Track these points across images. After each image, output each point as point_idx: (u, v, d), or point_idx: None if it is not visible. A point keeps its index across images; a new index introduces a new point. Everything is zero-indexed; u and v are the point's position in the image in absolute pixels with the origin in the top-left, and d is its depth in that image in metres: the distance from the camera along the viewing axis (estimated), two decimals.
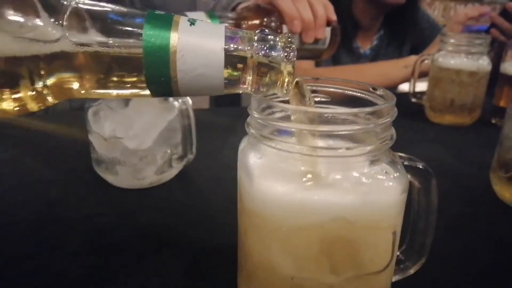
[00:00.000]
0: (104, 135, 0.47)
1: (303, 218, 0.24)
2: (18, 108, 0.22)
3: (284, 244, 0.24)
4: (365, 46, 1.16)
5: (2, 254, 0.38)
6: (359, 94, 0.28)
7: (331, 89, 0.29)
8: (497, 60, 0.81)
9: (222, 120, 0.71)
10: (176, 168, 0.51)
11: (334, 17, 0.61)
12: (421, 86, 0.84)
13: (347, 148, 0.23)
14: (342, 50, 1.13)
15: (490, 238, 0.42)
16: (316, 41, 0.60)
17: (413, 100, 0.82)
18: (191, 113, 0.47)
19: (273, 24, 0.57)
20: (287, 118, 0.25)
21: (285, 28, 0.57)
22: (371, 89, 0.27)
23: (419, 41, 1.18)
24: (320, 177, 0.24)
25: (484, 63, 0.75)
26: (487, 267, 0.37)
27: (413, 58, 0.92)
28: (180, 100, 0.47)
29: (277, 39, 0.24)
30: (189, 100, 0.47)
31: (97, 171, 0.50)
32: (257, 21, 0.56)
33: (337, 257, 0.24)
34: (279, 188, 0.24)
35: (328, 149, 0.23)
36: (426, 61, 0.80)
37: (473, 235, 0.42)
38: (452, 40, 0.75)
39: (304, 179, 0.24)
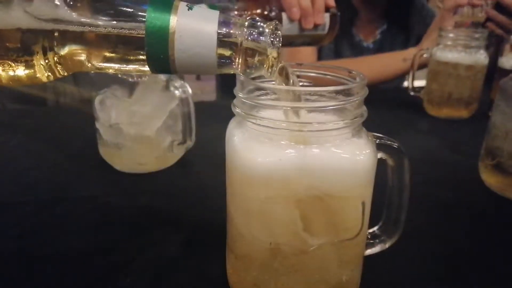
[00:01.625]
0: (109, 122, 0.50)
1: (279, 188, 0.26)
2: (30, 76, 0.25)
3: (261, 212, 0.27)
4: (368, 39, 1.17)
5: (18, 227, 0.41)
6: (337, 78, 0.30)
7: (313, 74, 0.31)
8: (495, 55, 0.83)
9: (225, 110, 0.74)
10: (177, 154, 0.54)
11: (332, 2, 0.63)
12: (421, 82, 0.86)
13: (319, 123, 0.26)
14: (345, 43, 1.14)
15: (472, 221, 0.44)
16: (316, 26, 0.61)
17: (412, 93, 0.84)
18: (191, 102, 0.50)
19: (273, 12, 0.59)
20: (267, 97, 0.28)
21: (284, 16, 0.59)
22: (348, 72, 0.30)
23: (424, 27, 1.18)
24: (296, 150, 0.26)
25: (481, 57, 0.76)
26: (465, 246, 0.40)
27: (412, 51, 0.93)
28: (180, 90, 0.49)
29: (265, 26, 0.27)
30: (189, 89, 0.50)
31: (103, 156, 0.53)
32: (258, 10, 0.58)
33: (311, 224, 0.27)
34: (258, 160, 0.27)
35: (303, 124, 0.26)
36: (424, 55, 0.81)
37: (455, 218, 0.45)
38: (450, 35, 0.77)
39: (281, 151, 0.26)
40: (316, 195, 0.26)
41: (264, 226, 0.27)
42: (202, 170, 0.55)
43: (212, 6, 0.55)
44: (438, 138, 0.70)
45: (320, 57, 1.09)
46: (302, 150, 0.26)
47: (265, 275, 0.29)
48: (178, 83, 0.50)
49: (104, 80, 0.50)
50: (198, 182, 0.51)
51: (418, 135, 0.72)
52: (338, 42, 1.12)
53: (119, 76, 0.48)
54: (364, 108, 0.28)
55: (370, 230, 0.33)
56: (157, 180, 0.51)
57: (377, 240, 0.33)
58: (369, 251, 0.33)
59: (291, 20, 0.59)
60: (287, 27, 0.59)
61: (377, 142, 0.29)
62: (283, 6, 0.59)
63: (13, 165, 0.56)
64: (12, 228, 0.41)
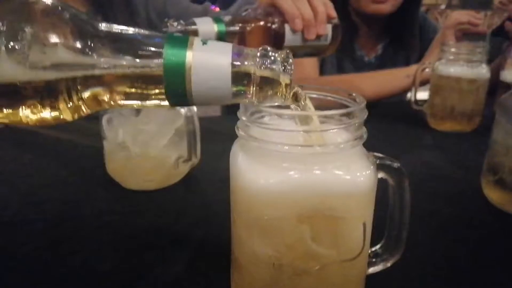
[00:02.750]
0: (116, 140, 0.51)
1: (281, 209, 0.27)
2: (55, 118, 0.26)
3: (264, 233, 0.28)
4: (370, 54, 1.18)
5: (24, 246, 0.42)
6: (339, 100, 0.31)
7: (315, 96, 0.32)
8: (499, 69, 0.83)
9: (229, 126, 0.75)
10: (182, 171, 0.55)
11: (334, 13, 0.64)
12: (424, 94, 0.86)
13: (320, 146, 0.27)
14: (346, 58, 1.15)
15: (474, 237, 0.44)
16: (319, 37, 0.62)
17: (415, 107, 0.84)
18: (196, 120, 0.51)
19: (276, 24, 0.60)
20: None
21: (287, 27, 0.60)
22: (348, 94, 0.31)
23: (426, 50, 1.19)
24: (298, 172, 0.27)
25: (483, 71, 0.77)
26: (468, 263, 0.40)
27: (414, 68, 0.94)
28: (185, 108, 0.50)
29: (276, 55, 0.27)
30: (194, 107, 0.51)
31: (110, 173, 0.54)
32: (261, 23, 0.59)
33: (313, 244, 0.28)
34: (261, 181, 0.27)
35: (304, 147, 0.27)
36: (426, 70, 0.82)
37: (457, 234, 0.45)
38: (452, 49, 0.78)
39: (283, 173, 0.27)
40: (318, 216, 0.27)
41: (267, 246, 0.28)
42: (207, 187, 0.55)
43: (217, 19, 0.56)
44: (441, 152, 0.70)
45: (322, 71, 1.10)
46: (304, 172, 0.27)
47: None
48: None
49: None
50: (203, 199, 0.52)
51: (422, 149, 0.72)
52: (340, 57, 1.13)
53: None
54: (364, 129, 0.29)
55: (372, 249, 0.34)
56: (163, 197, 0.52)
57: (379, 259, 0.33)
58: (371, 270, 0.33)
59: (294, 31, 0.60)
60: (290, 38, 0.60)
61: (377, 162, 0.30)
62: (285, 18, 0.60)
63: (23, 182, 0.57)
64: (23, 246, 0.42)
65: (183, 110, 0.50)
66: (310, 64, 1.08)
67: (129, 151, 0.51)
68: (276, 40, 0.60)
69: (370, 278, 0.33)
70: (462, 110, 0.78)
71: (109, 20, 0.91)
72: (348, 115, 0.27)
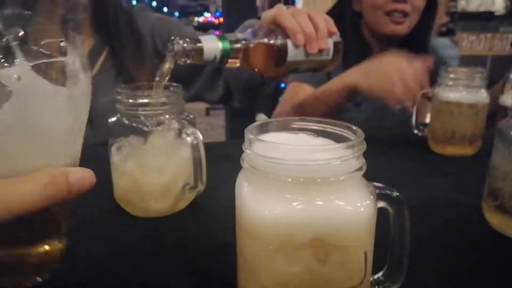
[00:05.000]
0: (124, 169, 0.53)
1: (285, 239, 0.28)
2: None
3: (269, 262, 0.29)
4: None
5: None
6: (337, 131, 0.33)
7: (315, 127, 0.34)
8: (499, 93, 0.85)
9: (235, 152, 0.76)
10: (188, 198, 0.56)
11: (335, 29, 0.66)
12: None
13: (321, 179, 0.28)
14: None
15: (477, 262, 0.45)
16: (321, 52, 0.64)
17: (416, 131, 0.86)
18: (201, 147, 0.52)
19: (278, 40, 0.62)
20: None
21: (289, 42, 0.62)
22: (347, 127, 0.32)
23: (434, 74, 1.22)
24: (301, 203, 0.28)
25: (482, 96, 0.78)
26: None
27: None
28: (192, 136, 0.52)
29: None
30: (199, 135, 0.53)
31: (117, 200, 0.56)
32: (264, 40, 0.61)
33: (317, 273, 0.29)
34: (266, 212, 0.29)
35: (306, 178, 0.28)
36: (429, 94, 0.84)
37: (460, 259, 0.45)
38: (451, 75, 0.80)
39: (287, 204, 0.28)
40: (320, 246, 0.28)
41: (272, 276, 0.29)
42: (212, 213, 0.56)
43: (221, 37, 0.58)
44: (442, 176, 0.71)
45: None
46: (306, 203, 0.28)
47: None
48: (190, 130, 0.52)
49: (121, 129, 0.53)
50: (209, 226, 0.53)
51: (423, 174, 0.73)
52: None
53: (134, 125, 0.51)
54: (364, 161, 0.30)
55: (375, 276, 0.34)
56: (169, 224, 0.53)
57: (381, 286, 0.34)
58: None
59: (296, 46, 0.62)
60: (293, 53, 0.62)
61: (377, 192, 0.31)
62: (287, 33, 0.61)
63: None
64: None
65: (189, 139, 0.52)
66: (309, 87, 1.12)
67: (137, 178, 0.52)
68: (279, 55, 0.62)
69: None
70: (462, 135, 0.79)
71: (117, 49, 0.94)
72: (348, 147, 0.29)
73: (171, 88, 0.55)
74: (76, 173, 0.28)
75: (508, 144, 0.51)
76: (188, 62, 0.56)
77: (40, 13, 0.29)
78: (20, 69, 0.27)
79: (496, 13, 3.17)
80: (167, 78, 0.55)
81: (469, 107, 0.78)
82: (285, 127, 0.34)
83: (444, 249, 0.48)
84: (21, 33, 0.27)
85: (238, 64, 0.61)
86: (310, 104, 0.98)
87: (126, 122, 0.52)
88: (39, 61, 0.28)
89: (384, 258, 0.34)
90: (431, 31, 1.24)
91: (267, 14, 0.65)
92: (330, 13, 1.26)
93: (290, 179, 0.28)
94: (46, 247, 0.34)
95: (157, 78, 0.54)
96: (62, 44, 0.29)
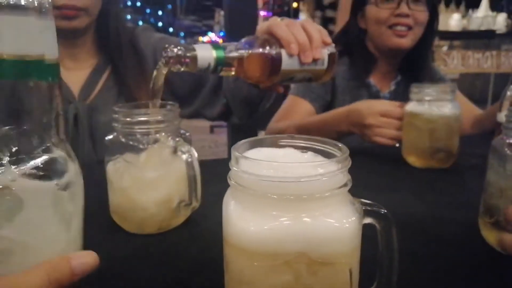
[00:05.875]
0: (120, 186, 0.54)
1: (270, 256, 0.28)
2: None
3: (254, 278, 0.29)
4: (384, 89, 1.22)
5: None
6: (324, 148, 0.33)
7: (303, 145, 0.34)
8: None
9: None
10: (184, 215, 0.57)
11: (329, 40, 0.66)
12: None
13: (307, 195, 0.28)
14: (364, 92, 1.19)
15: (471, 279, 0.45)
16: (315, 61, 0.64)
17: (397, 145, 0.88)
18: (196, 165, 0.53)
19: (273, 50, 0.62)
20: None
21: (284, 52, 0.62)
22: (334, 144, 0.33)
23: None
24: (287, 219, 0.29)
25: (452, 109, 0.81)
26: None
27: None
28: (187, 154, 0.53)
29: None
30: (195, 153, 0.53)
31: (113, 217, 0.56)
32: (258, 49, 0.62)
33: None
34: (251, 229, 0.29)
35: (291, 195, 0.28)
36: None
37: (457, 277, 0.45)
38: (421, 90, 0.82)
39: (273, 221, 0.29)
40: (306, 262, 0.28)
41: None
42: (207, 230, 0.56)
43: (215, 46, 0.59)
44: (432, 192, 0.71)
45: (337, 105, 1.14)
46: (292, 219, 0.29)
47: None
48: (185, 147, 0.53)
49: (117, 147, 0.53)
50: (203, 243, 0.53)
51: (413, 190, 0.73)
52: (357, 92, 1.19)
53: (131, 143, 0.52)
54: (349, 177, 0.30)
55: None
56: (164, 241, 0.53)
57: None
58: None
59: (290, 56, 0.62)
60: (288, 63, 0.62)
61: (363, 208, 0.31)
62: (282, 43, 0.62)
63: None
64: None
65: (184, 156, 0.53)
66: (306, 107, 1.14)
67: (132, 195, 0.53)
68: (273, 64, 0.62)
69: None
70: (435, 148, 0.82)
71: (119, 69, 0.96)
72: (332, 164, 0.29)
73: (167, 107, 0.56)
74: (79, 258, 0.31)
75: (502, 161, 0.50)
76: (182, 69, 0.56)
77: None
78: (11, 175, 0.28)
79: (498, 31, 3.19)
80: (161, 87, 0.55)
81: (438, 120, 0.81)
82: (273, 144, 0.34)
83: (438, 266, 0.47)
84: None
85: (232, 73, 0.61)
86: (315, 129, 1.02)
87: (123, 140, 0.53)
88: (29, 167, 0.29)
89: (374, 275, 0.34)
90: (432, 44, 1.26)
91: (262, 25, 0.66)
92: (339, 32, 1.29)
93: (275, 196, 0.29)
94: None
95: (151, 90, 0.55)
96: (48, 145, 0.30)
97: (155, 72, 0.55)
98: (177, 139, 0.54)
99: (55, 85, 0.30)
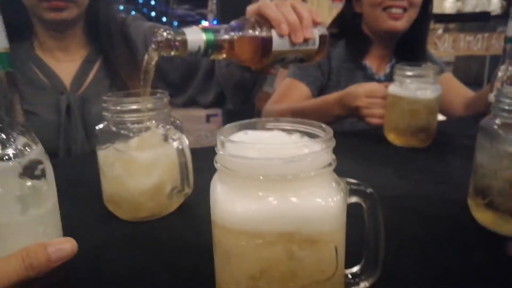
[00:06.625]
0: (112, 174, 0.54)
1: (257, 234, 0.29)
2: None
3: (241, 257, 0.30)
4: (380, 72, 1.22)
5: None
6: (309, 130, 0.33)
7: (289, 127, 0.35)
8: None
9: None
10: (177, 201, 0.57)
11: (319, 19, 0.66)
12: None
13: (292, 175, 0.29)
14: (359, 75, 1.20)
15: (460, 258, 0.45)
16: (306, 41, 0.64)
17: None
18: (187, 152, 0.53)
19: (263, 31, 0.62)
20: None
21: (274, 32, 0.62)
22: (319, 126, 0.33)
23: None
24: (272, 199, 0.29)
25: (434, 92, 0.82)
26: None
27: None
28: (177, 141, 0.53)
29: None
30: (185, 140, 0.53)
31: (107, 205, 0.56)
32: (249, 30, 0.61)
33: (288, 267, 0.29)
34: (238, 210, 0.29)
35: (276, 175, 0.29)
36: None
37: (443, 255, 0.46)
38: (403, 71, 0.83)
39: (259, 201, 0.29)
40: (292, 240, 0.29)
41: (243, 270, 0.30)
42: (200, 216, 0.57)
43: (205, 29, 0.58)
44: (418, 172, 0.72)
45: (335, 88, 1.15)
46: (278, 199, 0.29)
47: None
48: (176, 135, 0.53)
49: (108, 136, 0.54)
50: (195, 228, 0.54)
51: (399, 169, 0.74)
52: (353, 74, 1.19)
53: (122, 132, 0.52)
54: (333, 157, 0.31)
55: (352, 270, 0.35)
56: (158, 227, 0.54)
57: (357, 280, 0.35)
58: None
59: (281, 36, 0.62)
60: (278, 43, 0.62)
61: (349, 187, 0.32)
62: (272, 24, 0.62)
63: None
64: None
65: (175, 144, 0.53)
66: (302, 89, 1.15)
67: (125, 183, 0.53)
68: (264, 45, 0.62)
69: None
70: (415, 127, 0.83)
71: (110, 59, 0.95)
72: (316, 144, 0.29)
73: (157, 95, 0.56)
74: (55, 244, 0.32)
75: (494, 141, 0.50)
76: (172, 53, 0.55)
77: None
78: None
79: (493, 13, 3.17)
80: (152, 72, 0.55)
81: (419, 101, 0.82)
82: (260, 127, 0.35)
83: (427, 244, 0.48)
84: None
85: (224, 55, 0.61)
86: (311, 113, 1.02)
87: (114, 129, 0.53)
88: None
89: (361, 253, 0.35)
90: (429, 27, 1.26)
91: (252, 7, 0.65)
92: (335, 18, 1.29)
93: (261, 177, 0.29)
94: None
95: (142, 75, 0.54)
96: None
97: (145, 57, 0.54)
98: (168, 126, 0.54)
99: (7, 73, 0.31)
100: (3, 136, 0.31)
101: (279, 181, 0.29)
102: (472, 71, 3.47)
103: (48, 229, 0.34)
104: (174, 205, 0.57)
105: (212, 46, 0.57)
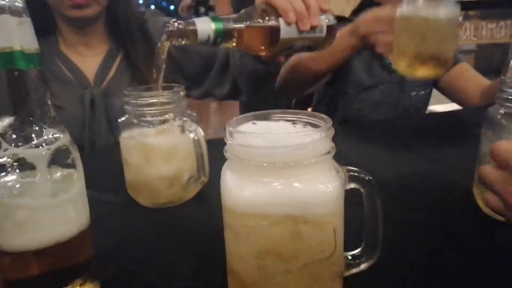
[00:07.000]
0: (134, 163, 0.58)
1: (262, 216, 0.32)
2: None
3: (249, 237, 0.33)
4: None
5: None
6: (311, 120, 0.36)
7: (293, 118, 0.37)
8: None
9: None
10: (194, 189, 0.61)
11: (326, 6, 0.67)
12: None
13: (295, 162, 0.31)
14: (377, 64, 1.20)
15: (466, 244, 0.47)
16: (313, 29, 0.65)
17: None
18: (203, 143, 0.56)
19: (271, 20, 0.63)
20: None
21: (282, 21, 0.63)
22: (320, 117, 0.35)
23: None
24: (277, 185, 0.32)
25: (446, 11, 0.73)
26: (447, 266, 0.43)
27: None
28: (194, 132, 0.56)
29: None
30: (201, 132, 0.57)
31: (129, 193, 0.60)
32: (257, 19, 0.63)
33: (291, 246, 0.32)
34: (245, 194, 0.32)
35: (279, 162, 0.32)
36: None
37: (446, 243, 0.48)
38: None
39: (264, 186, 0.32)
40: (294, 222, 0.32)
41: (251, 248, 0.33)
42: (215, 203, 0.60)
43: (214, 18, 0.61)
44: (425, 157, 0.74)
45: (354, 74, 1.16)
46: (281, 185, 0.32)
47: None
48: (192, 127, 0.57)
49: (130, 127, 0.57)
50: (212, 214, 0.57)
51: (407, 155, 0.75)
52: (371, 63, 1.20)
53: (142, 124, 0.56)
54: (332, 145, 0.33)
55: (353, 252, 0.38)
56: (176, 213, 0.58)
57: (357, 261, 0.37)
58: (354, 271, 0.37)
59: (288, 24, 0.63)
60: (286, 31, 0.64)
61: (349, 174, 0.34)
62: (279, 12, 0.64)
63: None
64: None
65: (191, 135, 0.56)
66: None
67: (145, 171, 0.57)
68: (272, 34, 0.64)
69: (351, 278, 0.37)
70: (429, 52, 0.75)
71: (130, 53, 0.99)
72: (316, 133, 0.32)
73: (174, 89, 0.59)
74: None
75: (497, 130, 0.52)
76: (183, 43, 0.58)
77: None
78: None
79: None
80: (164, 61, 0.58)
81: (433, 22, 0.74)
82: (266, 118, 0.37)
83: (430, 231, 0.50)
84: None
85: (233, 44, 0.63)
86: (325, 54, 0.93)
87: (135, 121, 0.57)
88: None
89: (362, 236, 0.37)
90: None
91: None
92: (356, 8, 1.29)
93: (266, 164, 0.32)
94: None
95: (155, 64, 0.58)
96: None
97: (158, 46, 0.58)
98: (184, 119, 0.58)
99: (37, 72, 0.34)
100: (36, 127, 0.35)
101: (283, 168, 0.32)
102: (495, 60, 3.39)
103: (77, 212, 0.37)
104: (192, 193, 0.61)
105: (221, 35, 0.60)
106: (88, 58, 0.96)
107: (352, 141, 0.84)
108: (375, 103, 1.20)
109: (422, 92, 1.27)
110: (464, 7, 2.87)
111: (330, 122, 0.33)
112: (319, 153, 0.32)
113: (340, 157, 0.35)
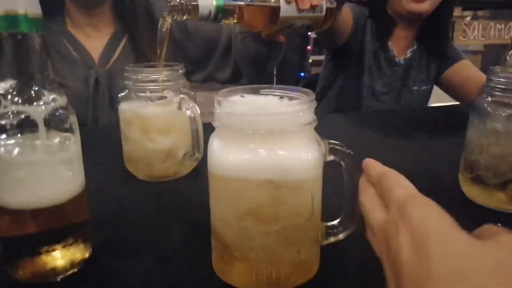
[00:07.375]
0: (132, 138, 0.60)
1: (245, 180, 0.34)
2: None
3: (231, 199, 0.35)
4: (400, 56, 1.24)
5: None
6: (296, 95, 0.38)
7: (280, 93, 0.39)
8: None
9: None
10: (189, 165, 0.63)
11: None
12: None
13: (278, 130, 0.33)
14: (382, 56, 1.23)
15: None
16: (313, 8, 0.66)
17: None
18: (198, 120, 0.58)
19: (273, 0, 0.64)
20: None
21: (282, 1, 0.64)
22: (304, 91, 0.37)
23: (443, 65, 1.26)
24: (260, 151, 0.34)
25: None
26: None
27: None
28: (190, 110, 0.58)
29: None
30: (197, 109, 0.59)
31: (126, 166, 0.63)
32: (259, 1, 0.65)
33: (270, 209, 0.34)
34: (230, 158, 0.34)
35: (263, 130, 0.33)
36: None
37: None
38: None
39: (248, 152, 0.34)
40: (275, 186, 0.34)
41: (234, 211, 0.35)
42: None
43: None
44: (417, 144, 0.75)
45: (361, 67, 1.20)
46: (265, 151, 0.34)
47: (237, 252, 0.36)
48: (188, 104, 0.59)
49: (129, 102, 0.60)
50: (204, 189, 0.59)
51: (397, 145, 0.77)
52: (376, 54, 1.22)
53: (141, 99, 0.58)
54: (314, 117, 0.35)
55: (332, 223, 0.40)
56: (171, 187, 0.60)
57: (335, 231, 0.39)
58: (331, 240, 0.39)
59: (288, 1, 0.64)
60: (286, 9, 0.64)
61: (330, 147, 0.36)
62: None
63: None
64: None
65: (188, 112, 0.58)
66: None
67: (142, 145, 0.59)
68: (272, 11, 0.65)
69: (329, 247, 0.39)
70: None
71: (135, 36, 1.01)
72: (298, 104, 0.34)
73: (174, 67, 0.61)
74: None
75: (483, 118, 0.54)
76: (184, 18, 0.60)
77: None
78: None
79: None
80: (166, 35, 0.60)
81: None
82: (254, 92, 0.39)
83: None
84: None
85: (234, 21, 0.65)
86: None
87: (134, 96, 0.59)
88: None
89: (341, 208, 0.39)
90: (452, 13, 1.26)
91: None
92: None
93: (250, 131, 0.34)
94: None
95: (158, 40, 0.59)
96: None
97: (160, 21, 0.60)
98: (182, 96, 0.60)
99: (40, 36, 0.36)
100: (36, 89, 0.37)
101: (266, 135, 0.34)
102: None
103: (73, 174, 0.40)
104: (187, 169, 0.63)
105: (222, 11, 0.61)
106: (95, 39, 0.98)
107: (349, 129, 0.86)
108: (377, 93, 1.22)
109: (424, 87, 1.28)
110: (473, 7, 2.86)
111: (313, 96, 0.35)
112: (301, 123, 0.34)
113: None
